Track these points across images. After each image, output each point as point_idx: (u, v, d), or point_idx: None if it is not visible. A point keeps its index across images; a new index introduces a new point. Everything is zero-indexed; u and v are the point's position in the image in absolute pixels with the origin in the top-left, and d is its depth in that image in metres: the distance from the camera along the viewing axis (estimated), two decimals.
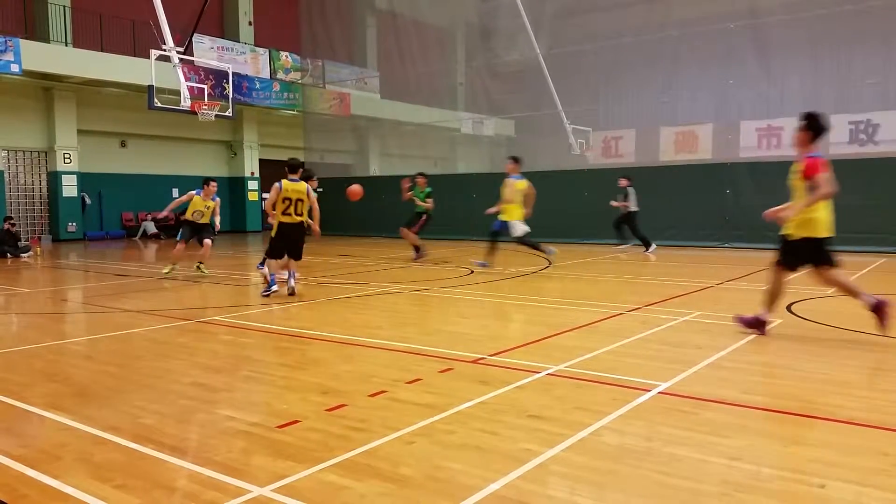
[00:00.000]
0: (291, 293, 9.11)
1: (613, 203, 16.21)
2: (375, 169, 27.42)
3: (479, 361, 5.38)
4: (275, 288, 9.13)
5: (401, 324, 7.34)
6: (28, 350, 6.11)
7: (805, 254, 6.03)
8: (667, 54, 21.38)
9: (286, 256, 9.33)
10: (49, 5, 20.43)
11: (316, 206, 9.39)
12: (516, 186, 12.06)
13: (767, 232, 16.77)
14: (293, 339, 6.46)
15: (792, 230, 6.05)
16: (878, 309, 5.97)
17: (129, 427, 3.90)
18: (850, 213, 15.67)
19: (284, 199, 8.97)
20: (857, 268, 12.21)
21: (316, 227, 9.62)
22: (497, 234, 12.41)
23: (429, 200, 14.63)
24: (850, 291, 6.13)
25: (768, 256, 14.69)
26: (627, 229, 16.39)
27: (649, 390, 4.49)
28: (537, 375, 4.93)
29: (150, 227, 23.92)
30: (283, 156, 28.84)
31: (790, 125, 19.53)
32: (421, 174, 14.94)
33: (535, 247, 12.41)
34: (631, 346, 5.90)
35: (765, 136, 20.00)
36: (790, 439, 3.62)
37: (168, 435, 3.78)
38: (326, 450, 3.49)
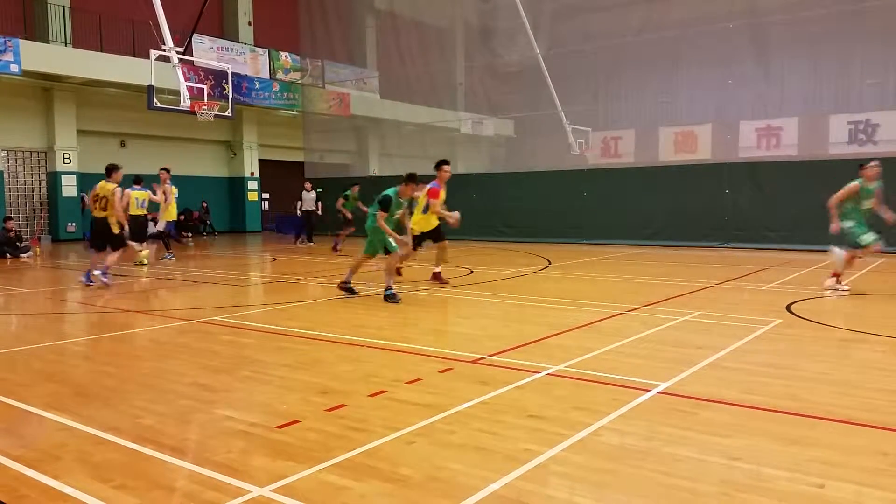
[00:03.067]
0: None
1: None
2: (375, 169, 27.43)
3: (479, 361, 5.38)
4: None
5: (401, 324, 7.34)
6: (28, 350, 6.11)
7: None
8: (666, 54, 21.40)
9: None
10: (48, 5, 20.43)
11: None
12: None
13: (767, 232, 16.85)
14: (293, 339, 6.46)
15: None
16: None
17: (129, 427, 3.90)
18: None
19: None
20: (856, 267, 12.21)
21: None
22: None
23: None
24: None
25: (768, 256, 14.76)
26: None
27: (649, 390, 4.49)
28: (537, 375, 4.93)
29: (150, 228, 23.86)
30: (282, 156, 29.08)
31: (790, 125, 19.75)
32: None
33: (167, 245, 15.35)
34: (631, 346, 5.90)
35: (764, 136, 20.02)
36: (790, 439, 3.62)
37: (168, 435, 3.77)
38: (326, 450, 3.49)
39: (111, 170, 10.81)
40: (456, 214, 10.18)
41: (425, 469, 3.25)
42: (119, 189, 10.64)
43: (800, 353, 5.73)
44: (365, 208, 16.07)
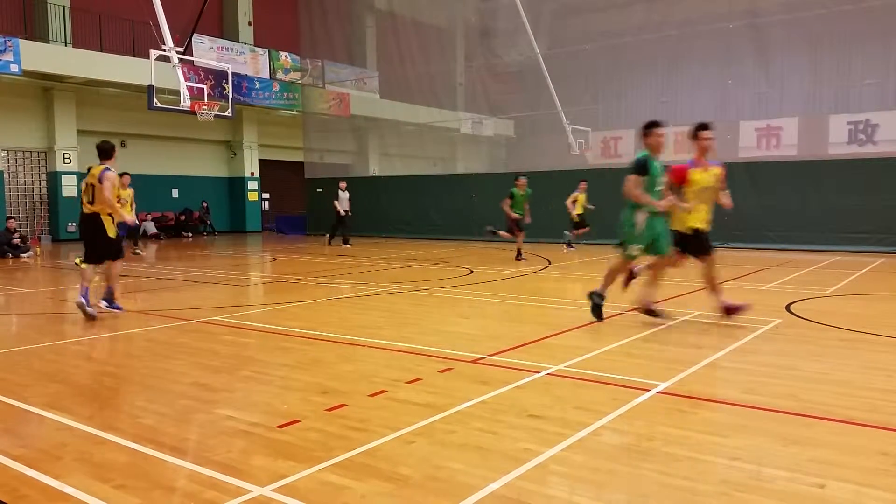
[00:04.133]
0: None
1: None
2: (375, 169, 27.44)
3: (479, 361, 5.38)
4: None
5: (401, 324, 7.34)
6: (28, 350, 6.11)
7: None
8: (666, 54, 21.41)
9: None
10: (48, 5, 20.43)
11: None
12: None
13: (766, 232, 16.85)
14: (293, 339, 6.46)
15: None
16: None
17: (129, 427, 3.90)
18: (848, 212, 15.80)
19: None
20: (856, 267, 12.22)
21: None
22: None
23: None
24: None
25: (767, 256, 14.77)
26: None
27: (649, 390, 4.49)
28: (537, 375, 4.93)
29: (150, 228, 23.90)
30: (282, 156, 29.06)
31: (790, 125, 19.75)
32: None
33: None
34: (631, 346, 5.91)
35: (764, 136, 20.02)
36: (790, 439, 3.62)
37: (168, 435, 3.77)
38: (326, 450, 3.49)
39: (106, 149, 7.88)
40: (689, 206, 6.83)
41: (425, 469, 3.25)
42: (111, 172, 7.65)
43: (800, 353, 5.73)
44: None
